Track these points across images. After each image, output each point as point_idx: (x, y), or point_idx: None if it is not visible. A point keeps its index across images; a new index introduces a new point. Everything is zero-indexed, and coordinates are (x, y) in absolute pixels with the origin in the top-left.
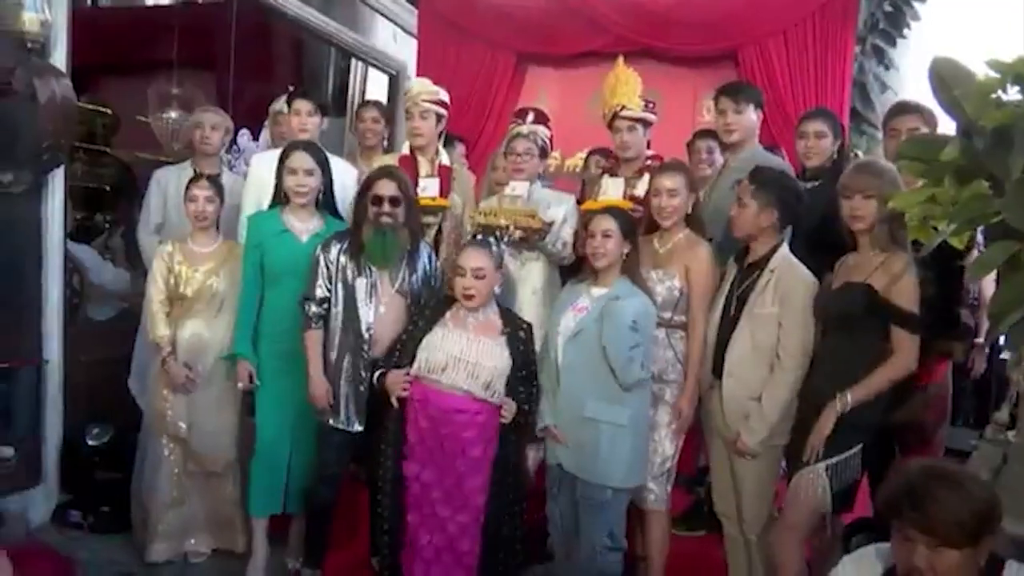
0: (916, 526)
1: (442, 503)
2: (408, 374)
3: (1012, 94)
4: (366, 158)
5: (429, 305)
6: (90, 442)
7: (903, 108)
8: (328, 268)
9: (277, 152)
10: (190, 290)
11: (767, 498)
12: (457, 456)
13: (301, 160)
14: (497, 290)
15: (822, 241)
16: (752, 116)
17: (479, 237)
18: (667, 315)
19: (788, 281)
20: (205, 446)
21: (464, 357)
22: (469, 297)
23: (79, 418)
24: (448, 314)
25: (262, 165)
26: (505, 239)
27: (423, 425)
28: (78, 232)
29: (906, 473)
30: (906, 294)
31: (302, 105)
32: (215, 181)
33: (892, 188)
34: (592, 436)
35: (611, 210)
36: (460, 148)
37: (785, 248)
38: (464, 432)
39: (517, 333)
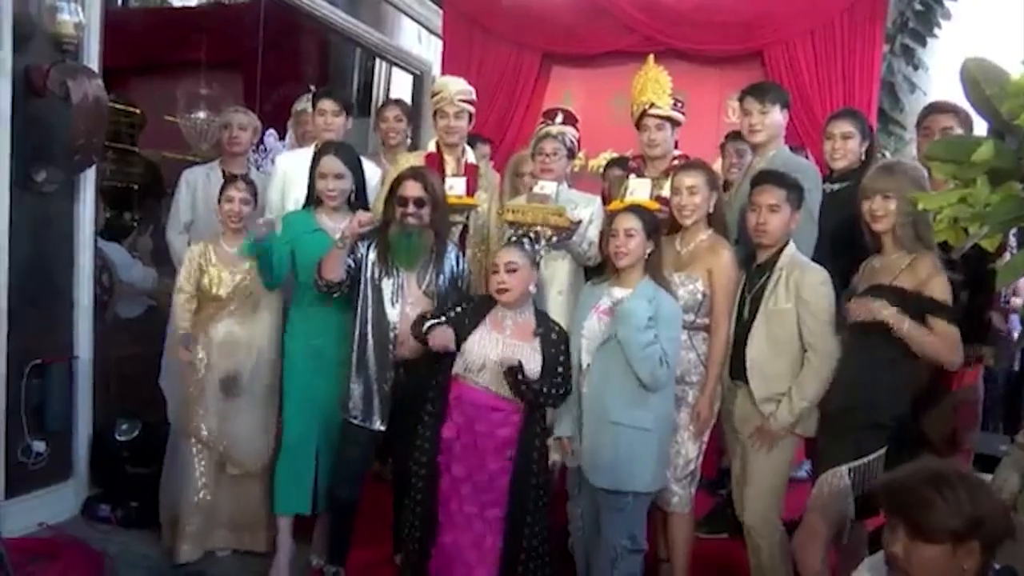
0: (900, 518)
1: (470, 499)
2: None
3: None
4: (390, 157)
5: (462, 295)
6: (119, 437)
7: (937, 107)
8: (355, 263)
9: (303, 151)
10: (223, 291)
11: (773, 500)
12: (489, 453)
13: (330, 165)
14: (532, 290)
15: (848, 243)
16: (778, 116)
17: (513, 238)
18: (689, 317)
19: (799, 275)
20: (241, 450)
21: (499, 361)
22: (503, 291)
23: (108, 413)
24: (488, 316)
25: (287, 164)
26: (542, 241)
27: (459, 421)
28: (107, 230)
29: (907, 469)
30: (938, 289)
31: (327, 105)
32: (250, 183)
33: (914, 188)
34: (618, 441)
35: (635, 209)
36: (485, 148)
37: (792, 247)
38: (499, 430)
39: (550, 335)
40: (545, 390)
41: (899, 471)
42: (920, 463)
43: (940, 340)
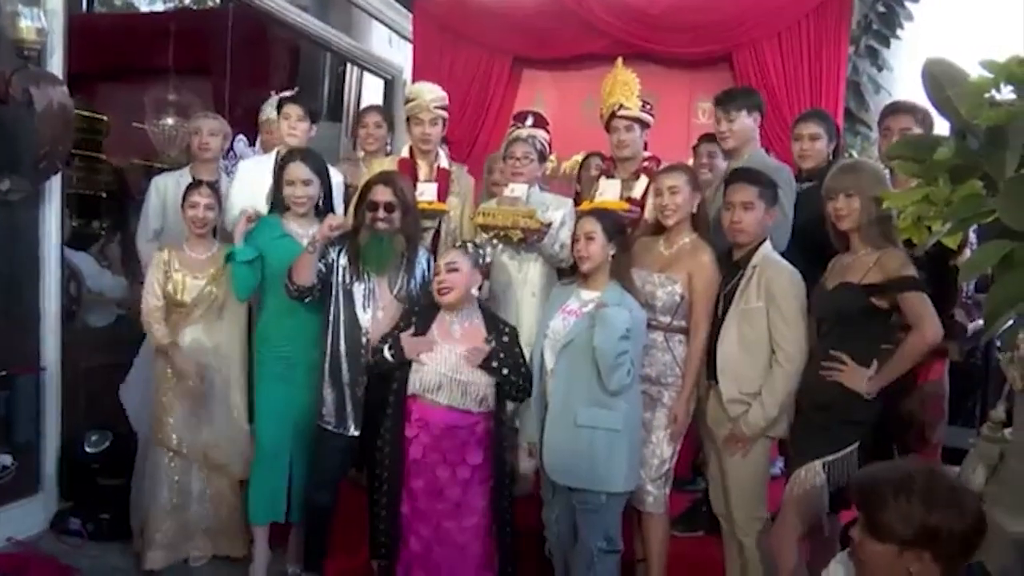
0: (860, 510)
1: (449, 515)
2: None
3: (1005, 94)
4: (368, 163)
5: (420, 306)
6: (88, 449)
7: (897, 108)
8: (327, 267)
9: (265, 157)
10: (188, 297)
11: (757, 498)
12: (459, 465)
13: (297, 171)
14: (476, 292)
15: (816, 242)
16: (747, 121)
17: (478, 240)
18: (666, 319)
19: (771, 274)
20: (221, 454)
21: (456, 376)
22: (445, 291)
23: (77, 425)
24: (434, 327)
25: (250, 171)
26: (488, 248)
27: (425, 441)
28: (75, 239)
29: (885, 465)
30: (907, 273)
31: (292, 110)
32: (214, 188)
33: (875, 185)
34: (588, 443)
35: (596, 212)
36: (444, 149)
37: (767, 245)
38: (467, 443)
39: (501, 338)
40: (512, 377)
41: (879, 465)
42: (900, 462)
43: (917, 335)
